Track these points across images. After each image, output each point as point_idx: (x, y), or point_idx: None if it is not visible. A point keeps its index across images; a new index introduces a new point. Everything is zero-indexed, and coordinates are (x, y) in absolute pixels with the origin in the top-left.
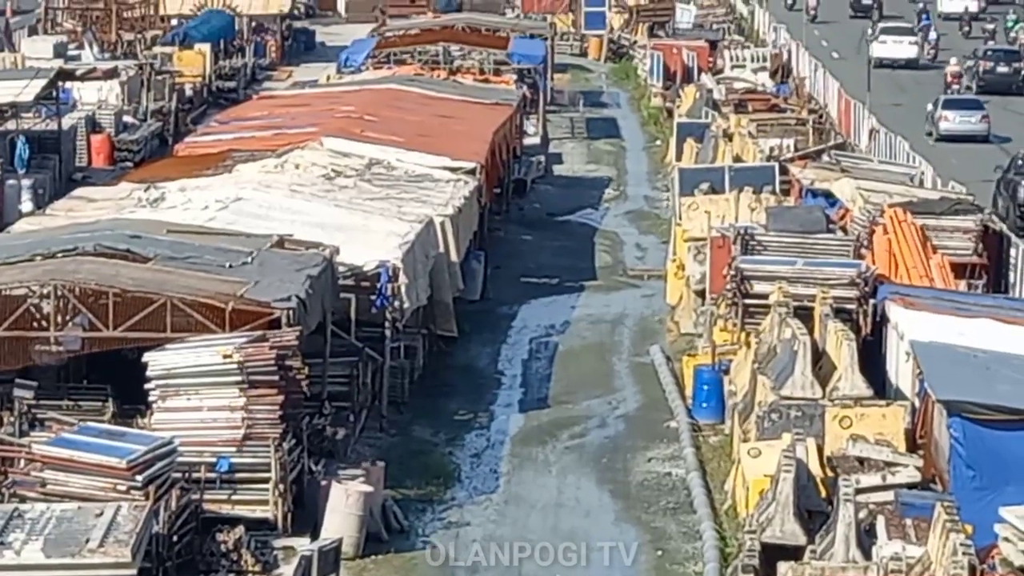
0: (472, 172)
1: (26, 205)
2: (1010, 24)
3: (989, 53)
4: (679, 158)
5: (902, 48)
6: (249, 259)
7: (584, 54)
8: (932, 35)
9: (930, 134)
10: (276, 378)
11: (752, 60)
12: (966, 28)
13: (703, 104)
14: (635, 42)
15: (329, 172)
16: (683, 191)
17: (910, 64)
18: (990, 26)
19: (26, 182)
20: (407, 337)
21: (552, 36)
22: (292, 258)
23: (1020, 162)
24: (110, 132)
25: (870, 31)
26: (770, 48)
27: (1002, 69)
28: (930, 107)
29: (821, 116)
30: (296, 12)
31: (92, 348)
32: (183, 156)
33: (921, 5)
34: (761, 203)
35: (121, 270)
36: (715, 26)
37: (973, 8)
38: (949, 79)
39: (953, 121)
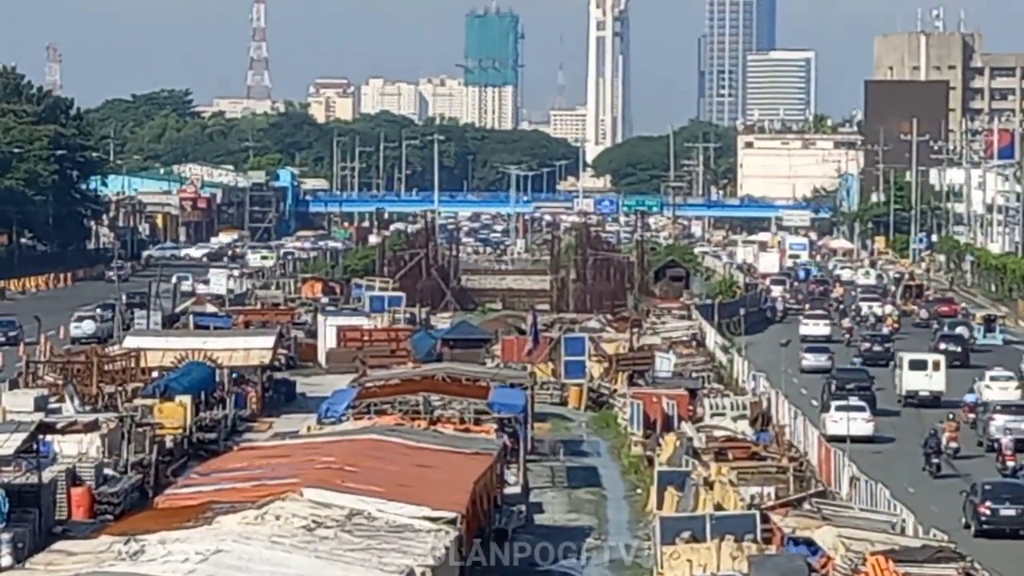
0: (452, 522)
1: (5, 559)
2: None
3: (868, 336)
4: (660, 507)
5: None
6: None
7: (564, 403)
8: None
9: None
10: None
11: (732, 408)
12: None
13: (683, 452)
14: (615, 391)
15: (309, 523)
16: (664, 540)
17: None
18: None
19: (5, 536)
20: None
21: (532, 385)
22: None
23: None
24: (90, 485)
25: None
26: (749, 396)
27: (876, 348)
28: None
29: (801, 464)
30: (277, 363)
31: None
32: (163, 508)
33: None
34: (743, 551)
35: None
36: (694, 374)
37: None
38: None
39: (811, 360)
